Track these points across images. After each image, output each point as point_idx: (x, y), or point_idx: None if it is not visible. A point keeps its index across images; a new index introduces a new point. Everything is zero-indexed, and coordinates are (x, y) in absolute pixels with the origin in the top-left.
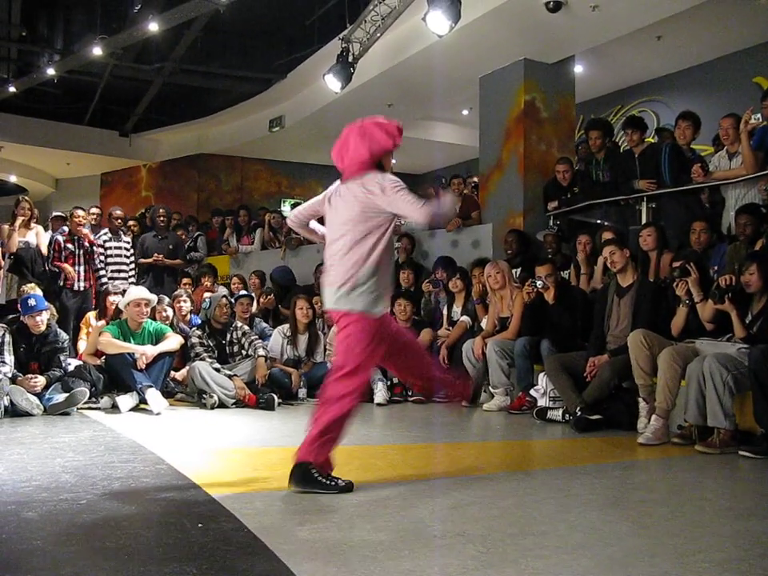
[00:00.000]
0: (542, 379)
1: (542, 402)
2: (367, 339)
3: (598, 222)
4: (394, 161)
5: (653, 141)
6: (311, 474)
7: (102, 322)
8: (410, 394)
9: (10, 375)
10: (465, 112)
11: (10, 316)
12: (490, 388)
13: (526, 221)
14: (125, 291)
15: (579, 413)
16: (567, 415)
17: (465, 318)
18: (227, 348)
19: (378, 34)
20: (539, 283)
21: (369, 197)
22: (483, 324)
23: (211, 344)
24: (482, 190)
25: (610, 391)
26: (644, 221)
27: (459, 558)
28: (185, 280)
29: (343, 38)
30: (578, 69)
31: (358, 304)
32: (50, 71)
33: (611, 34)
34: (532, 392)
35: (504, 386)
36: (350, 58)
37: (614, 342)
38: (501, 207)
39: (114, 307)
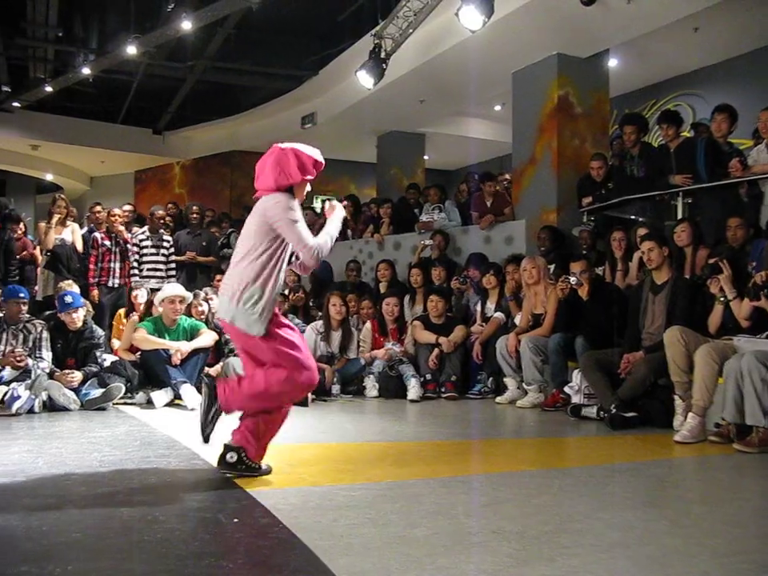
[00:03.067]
0: (577, 376)
1: (576, 399)
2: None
3: (633, 217)
4: (307, 189)
5: (689, 135)
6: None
7: (135, 317)
8: (442, 390)
9: (47, 371)
10: (497, 108)
11: (47, 312)
12: (523, 384)
13: (559, 217)
14: (157, 288)
15: (614, 410)
16: (602, 412)
17: (498, 314)
18: None
19: (411, 30)
20: (573, 280)
21: (264, 216)
22: (517, 320)
23: None
24: (515, 186)
25: (646, 388)
26: (679, 216)
27: (495, 555)
28: (218, 277)
29: (375, 34)
30: (612, 63)
31: (241, 321)
32: (86, 71)
33: (647, 27)
34: (566, 389)
35: (538, 383)
36: (382, 54)
37: (648, 339)
38: (534, 203)
39: (139, 303)
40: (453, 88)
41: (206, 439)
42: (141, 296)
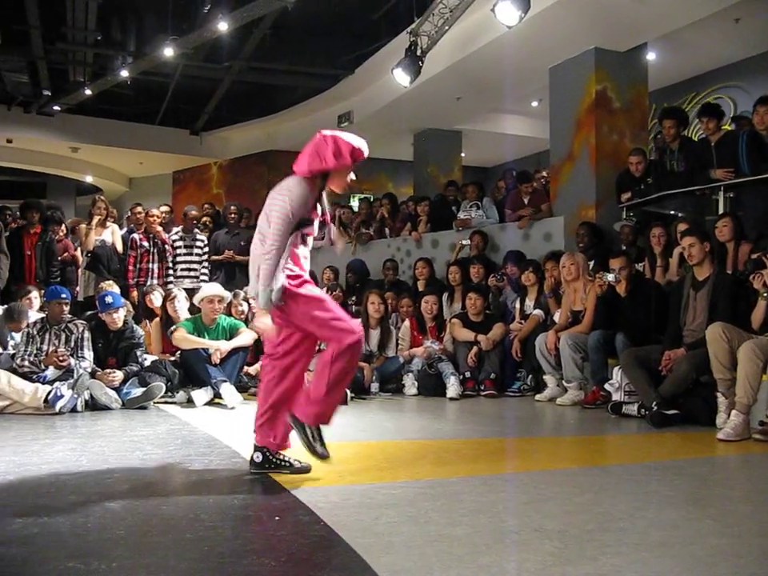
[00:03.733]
0: (617, 373)
1: (616, 397)
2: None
3: (672, 213)
4: (352, 177)
5: (730, 128)
6: (266, 456)
7: (156, 321)
8: (482, 388)
9: (89, 370)
10: (534, 104)
11: (88, 313)
12: (563, 382)
13: (598, 213)
14: (190, 289)
15: (655, 408)
16: (643, 410)
17: (537, 311)
18: None
19: (447, 27)
20: (611, 277)
21: (275, 197)
22: (556, 317)
23: None
24: (553, 182)
25: (687, 386)
26: (721, 211)
27: (536, 554)
28: None
29: (411, 31)
30: (651, 56)
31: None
32: (124, 73)
33: (686, 19)
34: (606, 386)
35: (577, 380)
36: (419, 52)
37: (690, 336)
38: (572, 199)
39: (153, 306)
40: (489, 84)
41: (322, 456)
42: (156, 299)
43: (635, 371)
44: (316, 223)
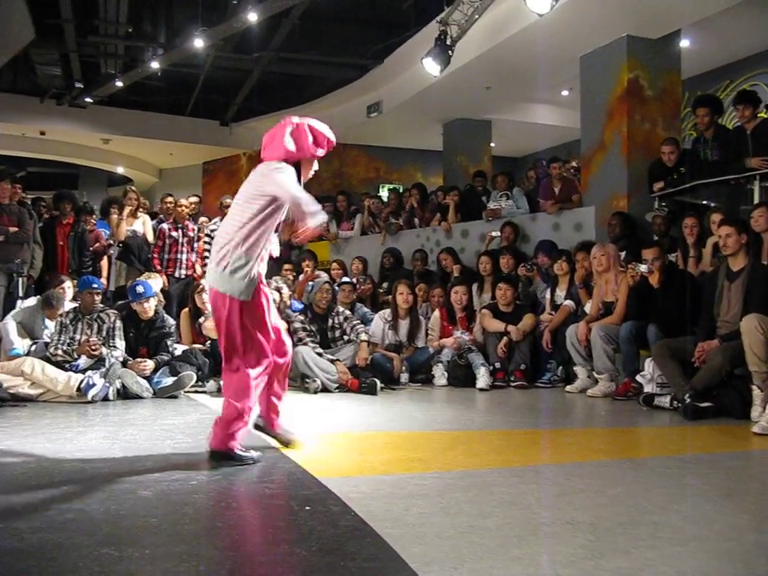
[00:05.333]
0: (649, 365)
1: (648, 389)
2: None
3: (705, 202)
4: (315, 168)
5: (766, 116)
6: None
7: (185, 311)
8: (512, 379)
9: (121, 359)
10: (565, 93)
11: (120, 302)
12: (594, 373)
13: (630, 203)
14: None
15: (688, 400)
16: (675, 402)
17: (568, 302)
18: (329, 333)
19: (476, 16)
20: (643, 267)
21: (259, 179)
22: (587, 308)
23: (313, 329)
24: (584, 172)
25: (721, 378)
26: (756, 201)
27: (569, 547)
28: (286, 266)
29: (441, 20)
30: (684, 43)
31: (225, 286)
32: (154, 65)
33: (721, 5)
34: (638, 378)
35: (609, 372)
36: (448, 41)
37: (724, 328)
38: (604, 189)
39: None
40: (519, 74)
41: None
42: (208, 300)
43: (668, 363)
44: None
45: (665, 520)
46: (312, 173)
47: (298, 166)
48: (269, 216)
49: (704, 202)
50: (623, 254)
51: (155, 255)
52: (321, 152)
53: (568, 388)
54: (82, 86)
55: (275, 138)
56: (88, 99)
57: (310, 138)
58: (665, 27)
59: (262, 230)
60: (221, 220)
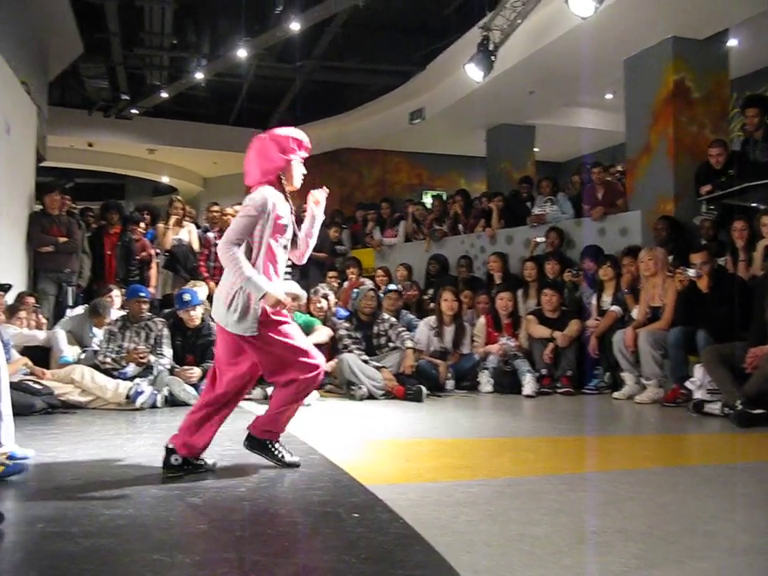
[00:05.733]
0: (698, 371)
1: (698, 395)
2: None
3: (754, 205)
4: (302, 171)
5: None
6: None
7: None
8: (558, 385)
9: (168, 367)
10: (609, 96)
11: (167, 310)
12: (642, 380)
13: (677, 207)
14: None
15: (740, 406)
16: (726, 409)
17: (615, 307)
18: (374, 340)
19: (519, 21)
20: (691, 272)
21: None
22: (633, 314)
23: (359, 336)
24: (630, 176)
25: None
26: None
27: (620, 556)
28: (331, 273)
29: (483, 26)
30: (732, 43)
31: (230, 324)
32: (199, 75)
33: None
34: (687, 384)
35: (657, 378)
36: (491, 47)
37: None
38: (650, 193)
39: None
40: (563, 78)
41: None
42: None
43: (718, 369)
44: (289, 228)
45: (718, 529)
46: (299, 179)
47: (280, 178)
48: (254, 245)
49: (753, 205)
50: (670, 258)
51: (202, 263)
52: (294, 156)
53: (615, 394)
54: (128, 98)
55: (248, 162)
56: (134, 110)
57: (275, 147)
58: (712, 27)
59: (252, 260)
60: None
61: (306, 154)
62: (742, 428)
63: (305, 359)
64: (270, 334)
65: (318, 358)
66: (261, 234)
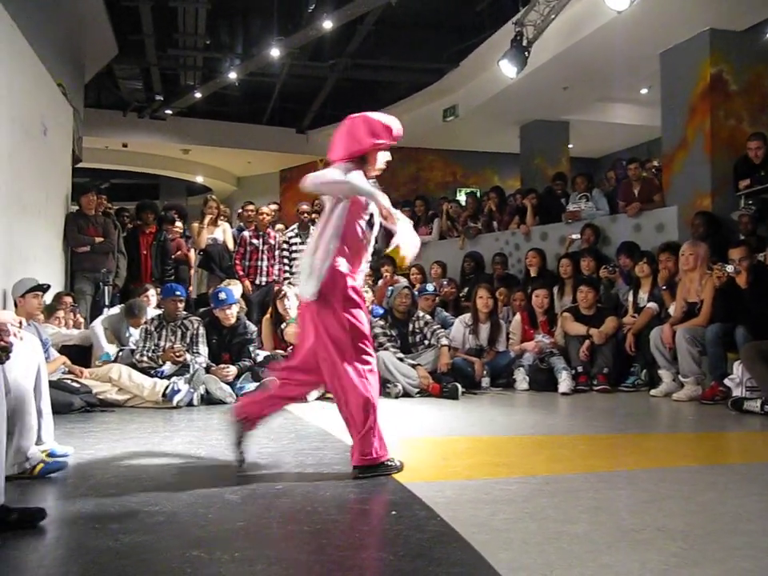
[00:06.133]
0: (737, 368)
1: (737, 392)
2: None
3: None
4: (387, 158)
5: None
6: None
7: (267, 318)
8: (594, 383)
9: (204, 365)
10: (644, 91)
11: (202, 309)
12: (679, 377)
13: (714, 202)
14: None
15: None
16: (766, 406)
17: (652, 304)
18: (410, 337)
19: (553, 16)
20: (729, 268)
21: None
22: (671, 311)
23: (394, 334)
24: (666, 171)
25: None
26: None
27: (660, 555)
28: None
29: (516, 21)
30: None
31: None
32: (232, 75)
33: None
34: (726, 381)
35: (695, 375)
36: (524, 42)
37: None
38: (687, 188)
39: (287, 309)
40: (597, 73)
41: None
42: (290, 306)
43: (758, 366)
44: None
45: (761, 528)
46: (382, 164)
47: (365, 160)
48: (333, 219)
49: None
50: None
51: (237, 262)
52: (381, 141)
53: (652, 392)
54: (162, 99)
55: (336, 138)
56: (168, 111)
57: (366, 129)
58: (751, 18)
59: (330, 234)
60: (298, 227)
61: (394, 142)
62: None
63: None
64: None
65: None
66: (341, 212)
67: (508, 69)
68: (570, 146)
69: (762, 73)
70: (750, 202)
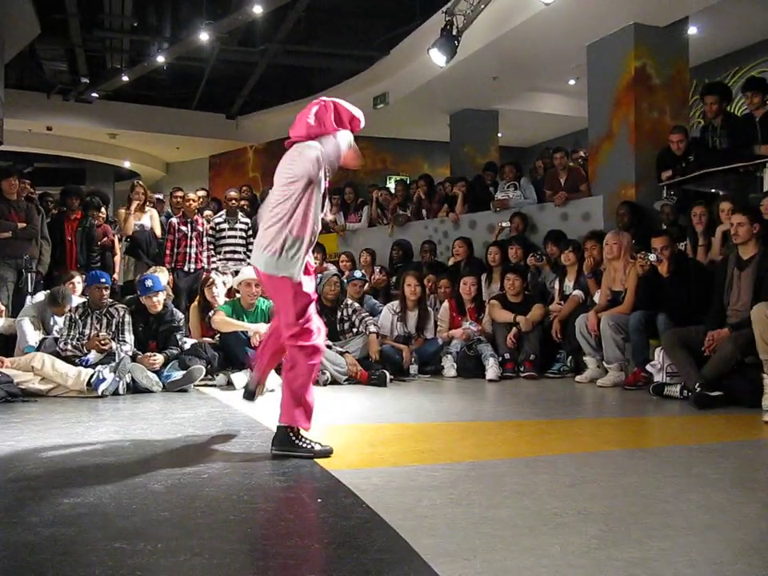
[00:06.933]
0: (659, 354)
1: (658, 378)
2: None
3: (714, 191)
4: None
5: None
6: (289, 437)
7: (194, 305)
8: (521, 369)
9: (130, 354)
10: (571, 82)
11: (128, 297)
12: (604, 363)
13: (638, 192)
14: (236, 273)
15: (699, 389)
16: (686, 391)
17: (577, 292)
18: (338, 325)
19: (483, 6)
20: (652, 257)
21: (289, 164)
22: (596, 298)
23: (322, 321)
24: (592, 162)
25: (732, 367)
26: (766, 188)
27: (581, 537)
28: None
29: (447, 10)
30: (692, 30)
31: (279, 269)
32: (160, 59)
33: None
34: (648, 367)
35: (618, 362)
36: (454, 31)
37: (734, 316)
38: (612, 178)
39: (215, 296)
40: (526, 63)
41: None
42: (218, 294)
43: (678, 352)
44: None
45: (677, 509)
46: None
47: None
48: (308, 198)
49: (712, 191)
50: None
51: (167, 251)
52: (345, 132)
53: (578, 378)
54: (87, 81)
55: (301, 117)
56: (94, 94)
57: (332, 115)
58: (672, 14)
59: (303, 212)
60: (226, 213)
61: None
62: (700, 410)
63: None
64: None
65: None
66: (312, 192)
67: (438, 57)
68: (499, 134)
69: (683, 68)
70: (672, 192)
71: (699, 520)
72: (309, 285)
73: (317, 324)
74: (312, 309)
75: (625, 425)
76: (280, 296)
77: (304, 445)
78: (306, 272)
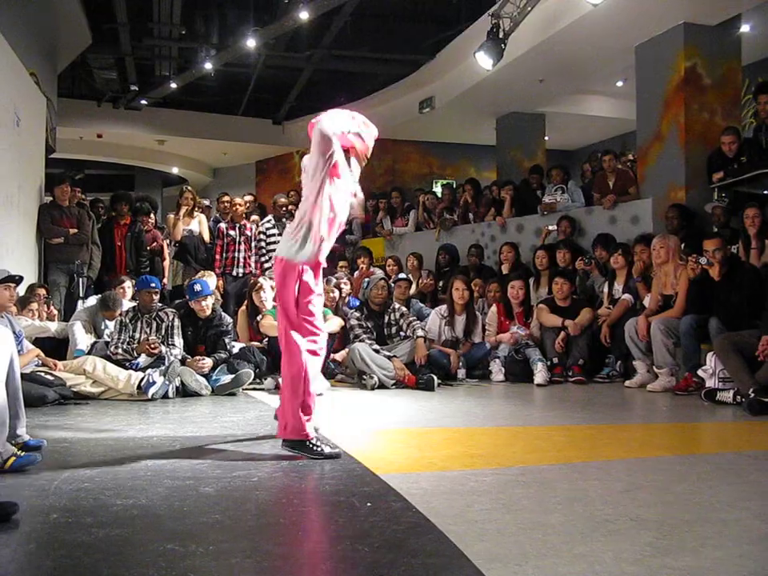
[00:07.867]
0: (711, 359)
1: (710, 383)
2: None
3: (766, 192)
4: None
5: None
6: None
7: (242, 309)
8: (570, 374)
9: (180, 357)
10: (619, 83)
11: (178, 301)
12: (654, 368)
13: (688, 194)
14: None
15: (753, 395)
16: (739, 397)
17: (626, 295)
18: (385, 329)
19: (529, 8)
20: (703, 260)
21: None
22: (645, 302)
23: (370, 325)
24: (641, 164)
25: None
26: None
27: (634, 544)
28: (341, 263)
29: (493, 13)
30: (745, 28)
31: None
32: (208, 65)
33: None
34: (699, 372)
35: (669, 366)
36: (501, 34)
37: None
38: (661, 181)
39: (263, 301)
40: (573, 65)
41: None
42: (266, 298)
43: (731, 357)
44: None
45: (733, 518)
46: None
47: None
48: (318, 183)
49: (765, 192)
50: (682, 246)
51: (216, 256)
52: (359, 151)
53: (627, 383)
54: (137, 89)
55: (334, 114)
56: (143, 101)
57: (348, 125)
58: (724, 13)
59: (314, 197)
60: (274, 218)
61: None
62: (754, 416)
63: None
64: None
65: None
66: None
67: (484, 61)
68: (546, 138)
69: (734, 67)
70: (724, 194)
71: (756, 529)
72: (314, 281)
73: (319, 322)
74: (316, 308)
75: (676, 430)
76: (279, 278)
77: (315, 448)
78: (315, 273)
